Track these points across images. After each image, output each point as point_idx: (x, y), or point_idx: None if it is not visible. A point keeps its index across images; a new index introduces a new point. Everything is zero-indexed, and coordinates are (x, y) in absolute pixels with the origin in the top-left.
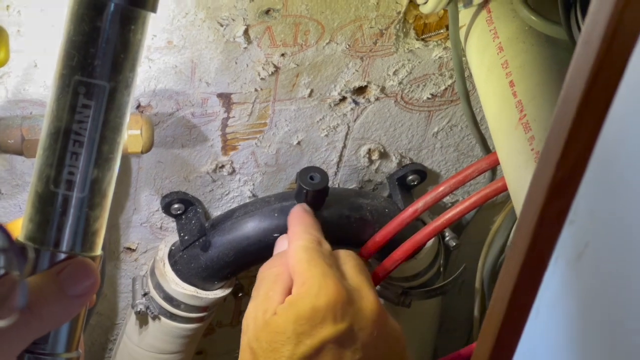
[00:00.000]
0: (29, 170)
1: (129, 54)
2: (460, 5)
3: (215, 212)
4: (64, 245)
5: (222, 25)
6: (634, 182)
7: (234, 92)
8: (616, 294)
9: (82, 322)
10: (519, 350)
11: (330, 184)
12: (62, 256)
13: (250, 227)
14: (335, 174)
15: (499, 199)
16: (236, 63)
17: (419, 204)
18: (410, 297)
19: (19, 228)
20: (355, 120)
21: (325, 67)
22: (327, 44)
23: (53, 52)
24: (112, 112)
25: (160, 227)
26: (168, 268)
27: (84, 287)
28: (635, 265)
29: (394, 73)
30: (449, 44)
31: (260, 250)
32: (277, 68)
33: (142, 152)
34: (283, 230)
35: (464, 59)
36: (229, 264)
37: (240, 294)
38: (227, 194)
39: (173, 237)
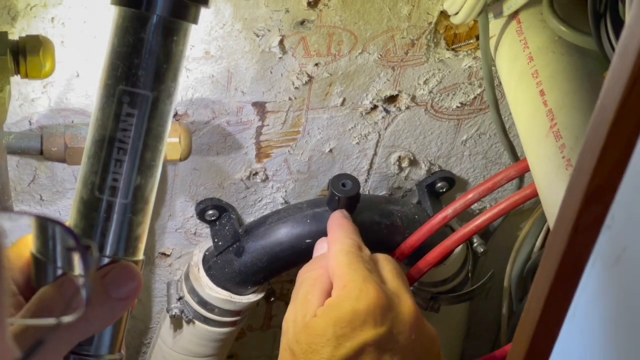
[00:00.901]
0: (69, 178)
1: (171, 64)
2: (490, 15)
3: (249, 219)
4: (108, 249)
5: (258, 36)
6: None
7: (268, 101)
8: None
9: (124, 324)
10: (555, 350)
11: (360, 190)
12: (106, 260)
13: (283, 233)
14: (366, 180)
15: (527, 205)
16: (271, 72)
17: (449, 211)
18: (439, 302)
19: (29, 243)
20: (386, 129)
21: (358, 77)
22: (359, 53)
23: (95, 62)
24: (155, 120)
25: (195, 233)
26: (202, 273)
27: (128, 290)
28: None
29: (425, 82)
30: (478, 53)
31: (292, 256)
32: (310, 77)
33: (180, 160)
34: (315, 236)
35: (493, 68)
36: (262, 269)
37: (272, 299)
38: (260, 201)
39: (207, 243)
